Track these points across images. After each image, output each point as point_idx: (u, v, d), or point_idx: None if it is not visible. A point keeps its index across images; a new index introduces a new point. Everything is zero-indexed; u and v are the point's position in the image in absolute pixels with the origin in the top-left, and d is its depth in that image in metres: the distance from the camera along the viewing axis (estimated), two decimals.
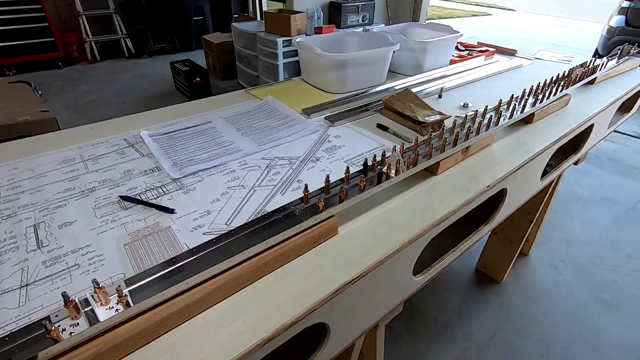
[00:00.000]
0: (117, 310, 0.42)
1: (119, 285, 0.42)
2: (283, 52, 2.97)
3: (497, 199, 0.88)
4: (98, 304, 0.43)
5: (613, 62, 1.40)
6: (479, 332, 1.37)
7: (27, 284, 0.51)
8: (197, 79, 3.40)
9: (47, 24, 4.02)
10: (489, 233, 1.60)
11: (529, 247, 1.74)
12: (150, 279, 0.46)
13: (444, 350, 1.30)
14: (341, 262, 0.55)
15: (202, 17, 4.90)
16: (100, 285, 0.42)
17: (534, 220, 1.44)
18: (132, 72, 4.30)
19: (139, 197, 0.69)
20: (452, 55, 1.53)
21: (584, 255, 1.74)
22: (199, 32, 4.79)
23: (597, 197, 2.16)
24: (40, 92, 3.43)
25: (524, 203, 1.03)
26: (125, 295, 0.42)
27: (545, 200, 1.40)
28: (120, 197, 0.69)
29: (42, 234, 0.60)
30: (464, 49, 1.69)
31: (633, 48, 1.50)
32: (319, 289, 0.51)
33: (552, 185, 1.40)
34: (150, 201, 0.68)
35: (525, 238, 1.50)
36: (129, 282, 0.45)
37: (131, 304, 0.42)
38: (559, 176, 1.46)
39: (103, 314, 0.42)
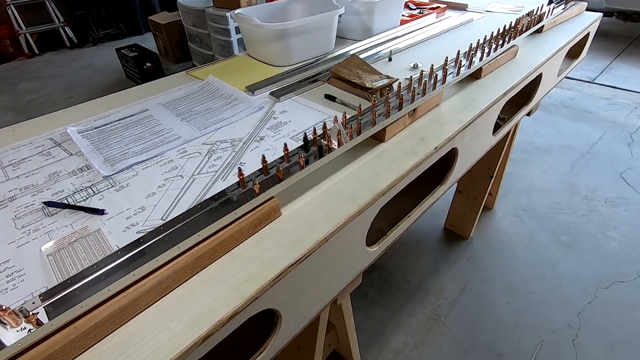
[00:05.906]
0: (30, 330, 0.38)
1: (22, 306, 0.38)
2: (235, 27, 2.81)
3: (449, 159, 0.87)
4: (8, 326, 0.39)
5: (559, 8, 1.39)
6: (449, 288, 1.42)
7: None
8: (148, 64, 3.19)
9: None
10: (455, 192, 1.63)
11: (492, 201, 1.79)
12: (70, 291, 0.42)
13: (418, 309, 1.35)
14: (285, 244, 0.53)
15: None
16: (4, 307, 0.38)
17: (494, 175, 1.47)
18: (76, 63, 3.98)
19: (65, 201, 0.63)
20: (403, 15, 1.49)
21: (544, 202, 1.81)
22: (146, 14, 4.45)
23: (556, 145, 2.24)
24: None
25: (478, 160, 1.04)
26: (35, 313, 0.38)
27: (503, 154, 1.42)
28: (44, 203, 0.63)
29: None
30: (415, 7, 1.64)
31: None
32: (262, 275, 0.49)
33: (508, 138, 1.42)
34: (78, 204, 0.63)
35: (487, 193, 1.53)
36: (43, 297, 0.41)
37: (44, 322, 0.38)
38: (514, 129, 1.48)
39: (13, 337, 0.38)
